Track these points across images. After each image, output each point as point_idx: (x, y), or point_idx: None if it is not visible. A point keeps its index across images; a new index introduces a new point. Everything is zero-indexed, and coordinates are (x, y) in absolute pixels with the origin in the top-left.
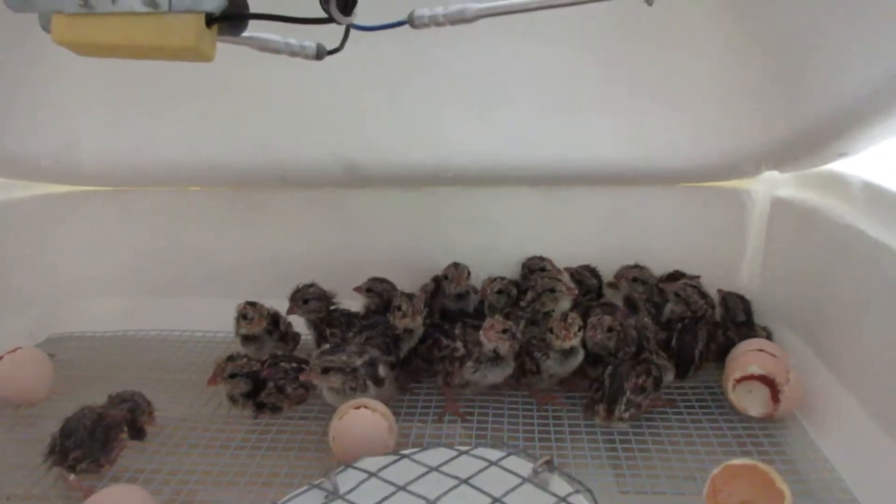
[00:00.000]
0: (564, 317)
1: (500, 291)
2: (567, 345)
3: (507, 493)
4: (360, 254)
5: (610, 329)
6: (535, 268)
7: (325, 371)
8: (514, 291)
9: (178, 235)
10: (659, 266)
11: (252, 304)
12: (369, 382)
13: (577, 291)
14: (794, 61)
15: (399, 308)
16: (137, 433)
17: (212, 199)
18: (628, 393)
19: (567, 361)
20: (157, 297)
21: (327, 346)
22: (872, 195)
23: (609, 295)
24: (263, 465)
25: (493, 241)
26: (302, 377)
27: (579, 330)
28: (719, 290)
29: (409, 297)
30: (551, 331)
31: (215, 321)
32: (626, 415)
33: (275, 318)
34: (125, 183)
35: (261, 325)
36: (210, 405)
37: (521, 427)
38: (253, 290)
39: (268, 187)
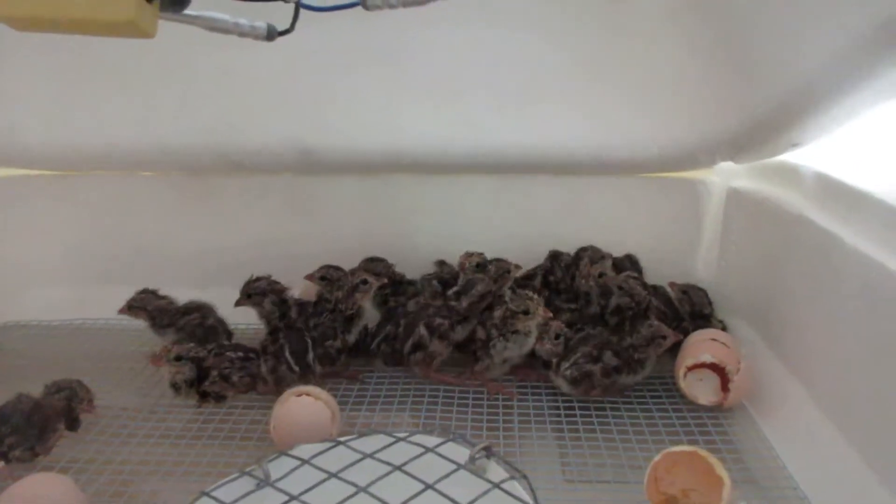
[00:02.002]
0: (528, 297)
1: (478, 266)
2: (542, 319)
3: (440, 479)
4: (314, 242)
5: (557, 336)
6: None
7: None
8: (489, 267)
9: (126, 222)
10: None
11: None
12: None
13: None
14: (746, 51)
15: (365, 282)
16: (72, 423)
17: (162, 185)
18: (579, 354)
19: (526, 342)
20: (105, 285)
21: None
22: (824, 186)
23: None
24: (203, 455)
25: (449, 228)
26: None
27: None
28: (671, 284)
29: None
30: (527, 312)
31: None
32: (568, 373)
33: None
34: (71, 167)
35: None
36: (153, 395)
37: (469, 416)
38: (203, 279)
39: (220, 173)
